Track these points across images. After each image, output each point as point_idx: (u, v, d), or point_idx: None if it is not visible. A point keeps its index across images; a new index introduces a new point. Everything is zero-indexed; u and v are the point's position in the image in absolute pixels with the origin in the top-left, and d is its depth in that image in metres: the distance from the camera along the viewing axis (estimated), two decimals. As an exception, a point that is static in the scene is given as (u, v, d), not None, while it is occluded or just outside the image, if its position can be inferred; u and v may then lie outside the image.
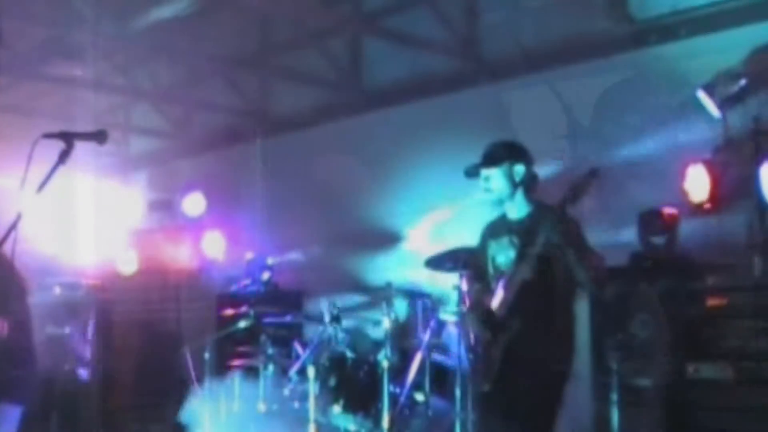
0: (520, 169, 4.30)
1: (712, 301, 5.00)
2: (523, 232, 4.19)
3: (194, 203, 8.79)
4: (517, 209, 4.34)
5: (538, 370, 4.11)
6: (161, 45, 7.97)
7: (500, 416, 4.24)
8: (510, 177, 4.31)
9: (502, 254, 4.31)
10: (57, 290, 7.77)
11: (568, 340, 4.27)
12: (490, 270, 4.39)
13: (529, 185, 4.34)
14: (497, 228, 4.43)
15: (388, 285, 6.54)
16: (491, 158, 4.35)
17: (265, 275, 8.28)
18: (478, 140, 4.52)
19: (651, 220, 5.73)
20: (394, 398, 5.87)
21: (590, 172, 4.06)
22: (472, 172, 4.38)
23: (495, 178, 4.32)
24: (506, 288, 4.18)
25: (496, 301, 4.22)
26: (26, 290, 4.72)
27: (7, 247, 3.41)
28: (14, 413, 4.62)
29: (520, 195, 4.32)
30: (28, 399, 4.69)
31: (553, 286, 4.13)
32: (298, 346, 7.42)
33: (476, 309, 4.45)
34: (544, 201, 4.29)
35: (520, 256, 4.14)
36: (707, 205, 5.46)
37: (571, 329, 4.29)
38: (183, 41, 7.92)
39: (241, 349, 7.75)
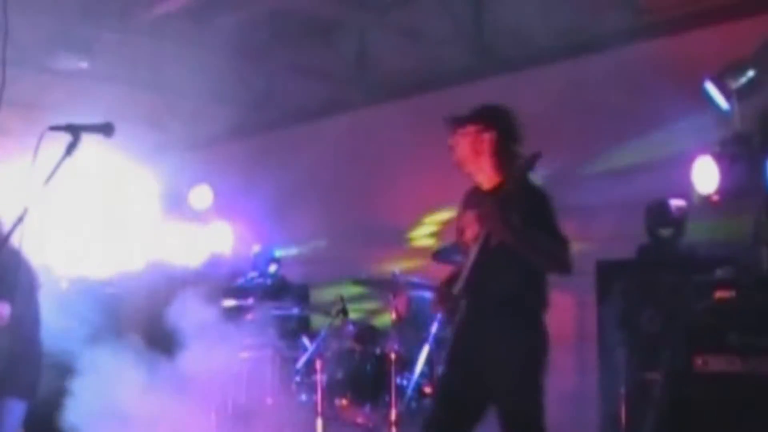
0: (488, 136, 4.05)
1: (719, 294, 4.97)
2: (490, 202, 3.92)
3: (201, 196, 8.80)
4: (487, 179, 4.10)
5: (497, 355, 3.94)
6: (168, 37, 7.96)
7: (457, 397, 4.04)
8: (474, 142, 4.07)
9: (470, 228, 4.06)
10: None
11: (534, 322, 4.06)
12: (461, 244, 4.18)
13: (503, 156, 4.07)
14: (471, 198, 4.20)
15: (395, 277, 6.53)
16: (458, 118, 4.11)
17: (272, 267, 8.28)
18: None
19: (658, 213, 5.72)
20: (401, 391, 5.87)
21: (533, 155, 3.83)
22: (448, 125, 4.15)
23: (459, 139, 4.10)
24: (466, 266, 3.98)
25: (460, 278, 4.00)
26: (36, 283, 4.73)
27: (15, 240, 3.42)
28: (19, 408, 4.63)
29: (488, 164, 4.09)
30: (32, 394, 4.70)
31: (517, 262, 3.92)
32: (305, 339, 7.43)
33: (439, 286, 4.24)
34: (523, 175, 3.98)
35: (481, 234, 3.89)
36: (715, 198, 5.43)
37: (537, 310, 4.08)
38: (190, 34, 7.92)
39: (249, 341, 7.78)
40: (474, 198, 4.18)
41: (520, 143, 4.12)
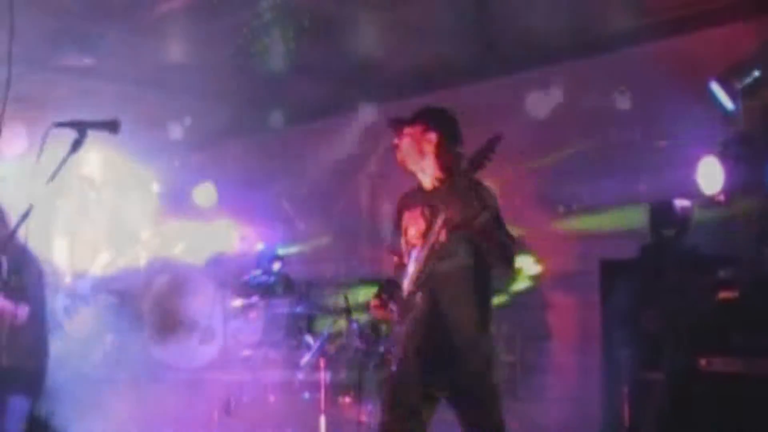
0: (432, 136, 4.06)
1: (723, 295, 4.97)
2: (434, 202, 3.93)
3: (205, 193, 8.81)
4: (429, 179, 4.11)
5: (451, 353, 3.91)
6: (173, 35, 7.96)
7: (415, 390, 3.94)
8: (419, 142, 4.08)
9: (414, 226, 4.08)
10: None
11: (483, 319, 4.00)
12: (403, 244, 4.16)
13: (446, 156, 4.06)
14: (410, 199, 4.20)
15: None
16: (402, 119, 4.13)
17: (276, 265, 8.28)
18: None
19: (662, 213, 5.71)
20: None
21: (492, 138, 3.81)
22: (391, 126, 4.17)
23: (403, 139, 4.11)
24: (416, 262, 3.96)
25: (406, 277, 4.00)
26: (43, 280, 4.74)
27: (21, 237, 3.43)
28: (25, 405, 4.64)
29: (431, 164, 4.09)
30: (37, 392, 4.71)
31: (465, 259, 3.92)
32: (309, 337, 7.44)
33: (383, 287, 4.18)
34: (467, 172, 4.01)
35: (430, 228, 3.89)
36: (719, 198, 5.43)
37: (487, 307, 4.04)
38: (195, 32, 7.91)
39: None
40: (413, 198, 4.19)
41: (462, 145, 4.13)
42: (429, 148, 4.10)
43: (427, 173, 4.13)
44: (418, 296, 3.97)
